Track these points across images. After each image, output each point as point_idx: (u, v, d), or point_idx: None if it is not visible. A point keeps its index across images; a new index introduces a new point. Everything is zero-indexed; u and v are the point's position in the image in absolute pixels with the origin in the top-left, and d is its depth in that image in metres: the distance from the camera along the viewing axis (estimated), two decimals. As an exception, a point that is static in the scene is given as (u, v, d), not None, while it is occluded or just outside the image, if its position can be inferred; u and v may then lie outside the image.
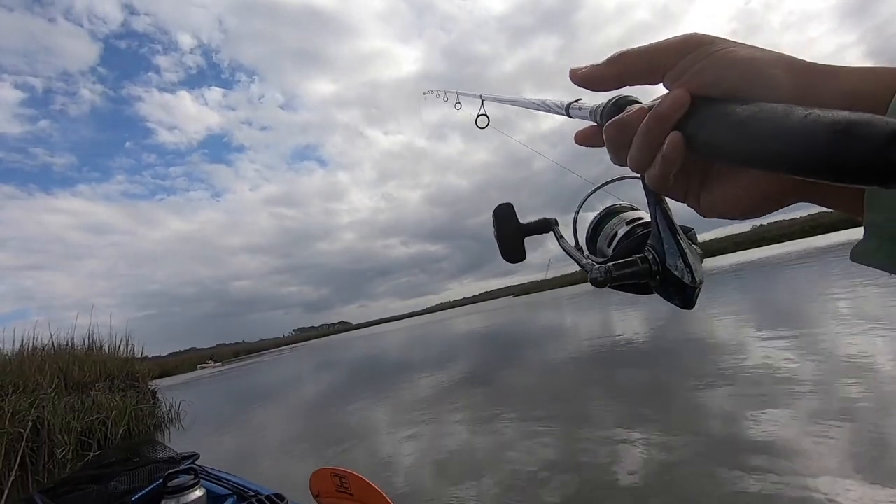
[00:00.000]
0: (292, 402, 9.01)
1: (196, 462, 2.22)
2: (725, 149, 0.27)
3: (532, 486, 2.76)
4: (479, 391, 5.95)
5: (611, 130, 0.33)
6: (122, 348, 10.59)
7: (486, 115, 1.06)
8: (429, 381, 7.61)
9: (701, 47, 0.29)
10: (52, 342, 9.10)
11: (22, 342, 8.34)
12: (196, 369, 35.25)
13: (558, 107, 0.48)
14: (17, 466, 5.66)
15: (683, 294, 0.36)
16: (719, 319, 7.84)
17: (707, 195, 0.32)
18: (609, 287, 0.40)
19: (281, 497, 1.52)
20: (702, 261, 0.37)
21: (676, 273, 0.36)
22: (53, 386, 7.40)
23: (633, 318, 11.07)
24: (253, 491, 1.91)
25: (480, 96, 1.03)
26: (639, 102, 0.34)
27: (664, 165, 0.30)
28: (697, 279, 0.35)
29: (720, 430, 3.06)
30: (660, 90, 0.33)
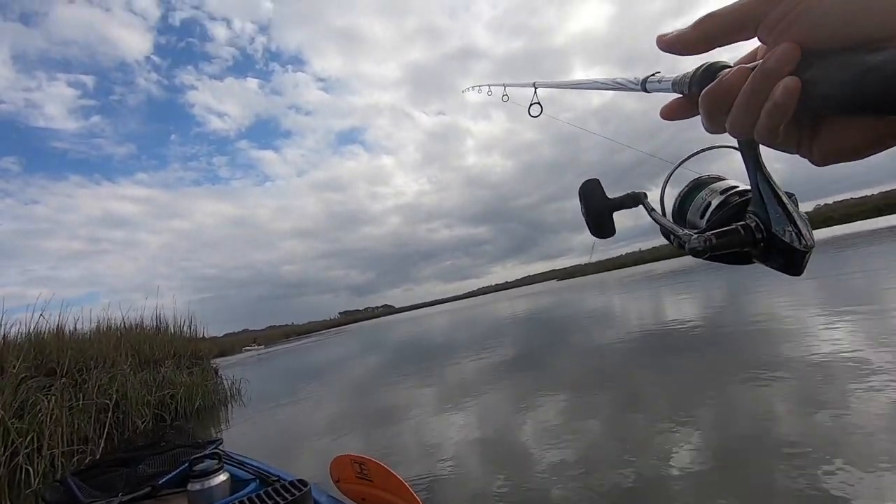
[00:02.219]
0: (340, 383, 9.33)
1: (220, 447, 2.31)
2: (845, 98, 0.26)
3: (576, 477, 2.72)
4: (523, 375, 5.93)
5: (710, 96, 0.32)
6: (185, 329, 11.22)
7: (539, 103, 1.02)
8: (472, 365, 7.68)
9: None
10: (124, 322, 9.75)
11: (98, 323, 9.00)
12: (241, 352, 36.73)
13: (632, 83, 0.46)
14: (105, 435, 6.23)
15: (792, 259, 0.35)
16: (782, 303, 7.42)
17: (820, 142, 0.31)
18: (707, 258, 0.40)
19: (304, 482, 1.52)
20: (808, 225, 0.36)
21: (785, 238, 0.35)
22: (128, 363, 7.99)
23: (685, 301, 10.68)
24: (275, 476, 1.93)
25: (534, 84, 0.99)
26: (729, 66, 0.33)
27: (775, 116, 0.29)
28: (808, 243, 0.35)
29: (787, 423, 2.90)
30: (745, 49, 0.33)
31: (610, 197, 0.52)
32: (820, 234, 34.13)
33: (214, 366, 10.95)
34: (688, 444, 2.80)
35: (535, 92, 1.00)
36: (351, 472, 2.25)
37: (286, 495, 1.44)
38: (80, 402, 6.28)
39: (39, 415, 5.58)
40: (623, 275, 39.80)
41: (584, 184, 0.52)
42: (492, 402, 4.86)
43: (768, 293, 9.14)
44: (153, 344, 9.26)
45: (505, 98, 1.43)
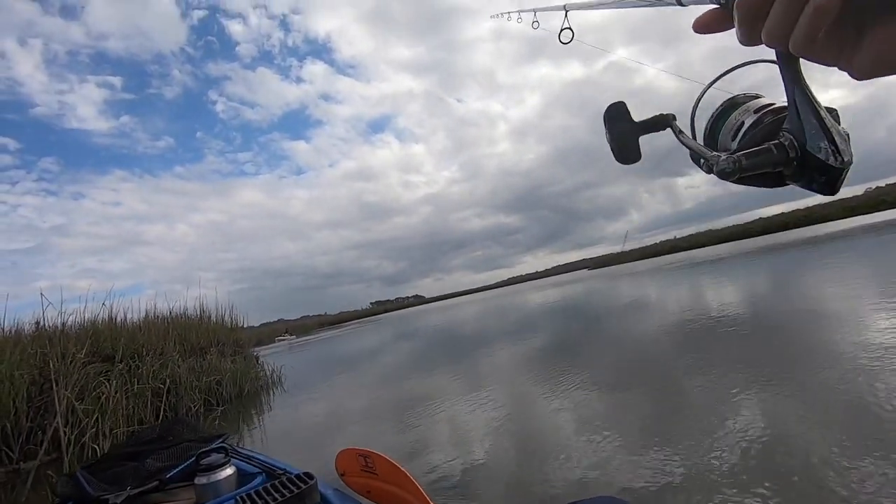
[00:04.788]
0: (372, 373, 9.47)
1: (226, 441, 2.28)
2: None
3: (611, 472, 2.70)
4: (554, 366, 5.87)
5: (746, 2, 0.30)
6: (226, 318, 11.58)
7: (570, 28, 0.97)
8: (502, 355, 7.68)
9: None
10: (170, 312, 10.15)
11: (146, 312, 9.42)
12: (274, 342, 37.07)
13: None
14: (161, 417, 6.59)
15: (828, 177, 0.34)
16: (833, 291, 7.09)
17: (863, 53, 0.28)
18: (737, 181, 0.38)
19: (310, 476, 1.51)
20: (849, 141, 0.34)
21: (819, 155, 0.33)
22: (177, 350, 8.35)
23: (725, 289, 10.33)
24: (282, 469, 1.91)
25: (564, 7, 0.95)
26: None
27: (816, 19, 0.27)
28: (845, 159, 0.33)
29: (844, 418, 2.79)
30: None
31: (636, 120, 0.50)
32: (872, 218, 32.24)
33: (255, 353, 11.32)
34: (730, 440, 2.74)
35: (566, 16, 0.95)
36: (356, 465, 2.25)
37: (292, 488, 1.43)
38: (135, 387, 6.64)
39: (102, 398, 5.96)
40: (659, 263, 38.75)
41: (609, 107, 0.50)
42: (521, 393, 4.84)
43: (815, 280, 8.74)
44: (198, 332, 9.62)
45: (535, 24, 1.38)
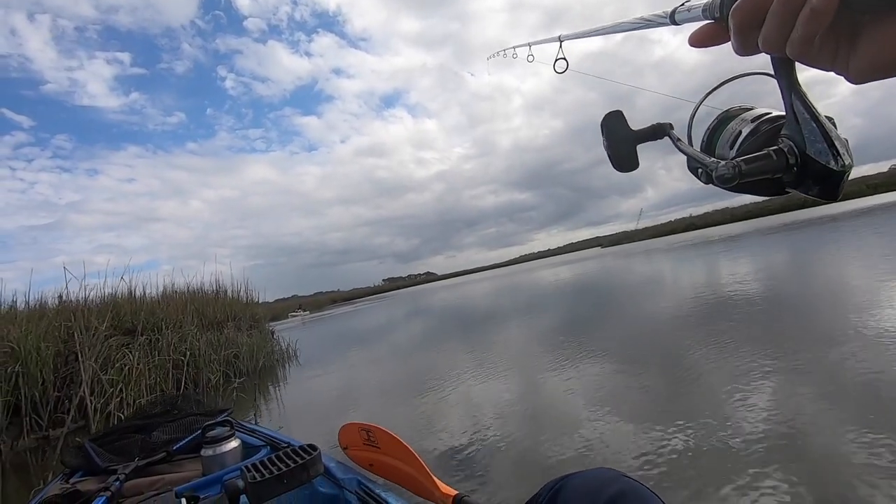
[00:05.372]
0: (385, 348, 9.60)
1: (230, 415, 2.31)
2: None
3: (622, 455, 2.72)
4: (566, 345, 5.90)
5: (741, 11, 0.30)
6: (242, 293, 11.79)
7: (564, 58, 1.00)
8: (510, 333, 7.72)
9: None
10: (187, 287, 10.36)
11: (164, 287, 9.63)
12: (287, 318, 37.14)
13: (660, 17, 0.44)
14: (182, 388, 6.82)
15: (828, 182, 0.34)
16: (855, 268, 6.97)
17: (859, 55, 0.28)
18: (735, 188, 0.38)
19: (314, 447, 1.50)
20: (848, 146, 0.34)
21: (819, 160, 0.33)
22: (195, 324, 8.56)
23: (742, 267, 10.20)
24: (286, 443, 1.92)
25: (559, 38, 0.96)
26: None
27: (811, 23, 0.27)
28: (845, 162, 0.33)
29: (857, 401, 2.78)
30: None
31: (634, 129, 0.50)
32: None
33: (271, 328, 11.55)
34: (744, 423, 2.75)
35: (561, 46, 0.98)
36: (359, 438, 2.26)
37: (296, 458, 1.44)
38: (156, 359, 6.86)
39: (125, 369, 6.18)
40: (672, 241, 38.31)
41: (606, 115, 0.51)
42: (532, 371, 4.86)
43: (834, 259, 8.59)
44: (215, 307, 9.83)
45: (530, 58, 1.39)
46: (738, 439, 2.42)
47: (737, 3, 0.31)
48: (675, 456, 2.38)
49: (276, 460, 1.48)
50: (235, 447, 1.79)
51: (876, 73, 0.28)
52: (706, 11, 0.36)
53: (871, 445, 2.11)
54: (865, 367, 3.05)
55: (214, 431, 1.83)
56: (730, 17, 0.32)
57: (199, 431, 1.94)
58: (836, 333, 3.93)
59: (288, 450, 1.53)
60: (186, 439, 2.04)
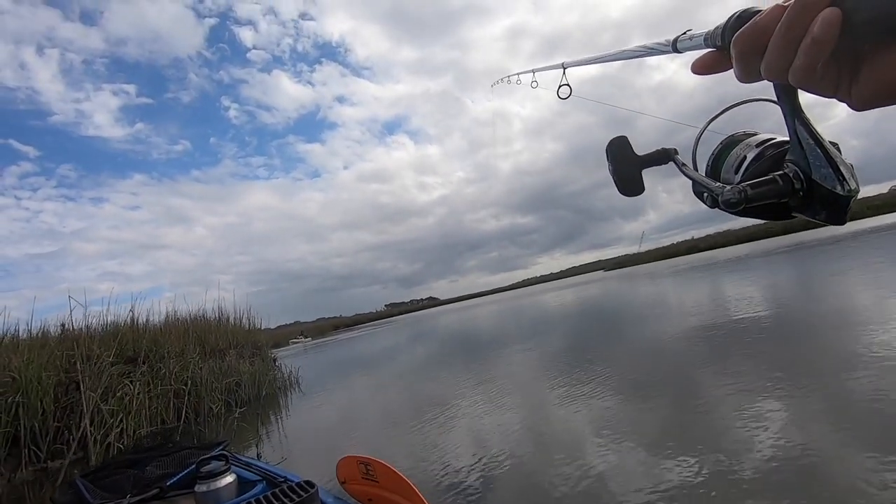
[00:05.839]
0: (387, 375, 9.50)
1: (226, 448, 2.28)
2: (893, 17, 0.24)
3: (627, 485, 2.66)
4: (570, 374, 5.82)
5: (743, 39, 0.31)
6: (244, 320, 11.71)
7: (568, 84, 1.01)
8: (514, 359, 7.65)
9: None
10: (190, 314, 10.31)
11: (167, 314, 9.60)
12: (288, 344, 36.56)
13: (662, 45, 0.45)
14: (183, 419, 6.71)
15: (835, 207, 0.34)
16: (862, 291, 6.90)
17: (861, 83, 0.28)
18: (741, 213, 0.38)
19: (311, 484, 1.48)
20: (853, 170, 0.34)
21: (825, 184, 0.33)
22: (196, 352, 8.49)
23: (746, 291, 10.12)
24: (282, 477, 1.89)
25: (562, 65, 0.98)
26: (760, 10, 0.32)
27: (813, 52, 0.27)
28: (851, 187, 0.33)
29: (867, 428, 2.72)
30: None
31: (639, 153, 0.51)
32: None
33: (273, 355, 11.43)
34: (755, 452, 2.69)
35: (564, 73, 0.99)
36: (357, 472, 2.23)
37: (293, 496, 1.41)
38: (158, 388, 6.77)
39: (126, 399, 6.08)
40: (675, 264, 38.12)
41: (611, 141, 0.51)
42: (535, 401, 4.78)
43: (842, 280, 8.52)
44: (217, 334, 9.76)
45: (534, 84, 1.41)
46: (748, 472, 2.35)
47: (738, 32, 0.31)
48: (685, 491, 2.32)
49: (272, 498, 1.46)
50: (230, 482, 1.77)
51: (878, 101, 0.28)
52: (708, 40, 0.37)
53: (884, 470, 2.05)
54: (878, 393, 2.99)
55: (209, 466, 1.81)
56: (731, 45, 0.32)
57: (194, 466, 1.91)
58: (849, 357, 3.86)
59: (285, 487, 1.51)
60: (180, 474, 2.01)
